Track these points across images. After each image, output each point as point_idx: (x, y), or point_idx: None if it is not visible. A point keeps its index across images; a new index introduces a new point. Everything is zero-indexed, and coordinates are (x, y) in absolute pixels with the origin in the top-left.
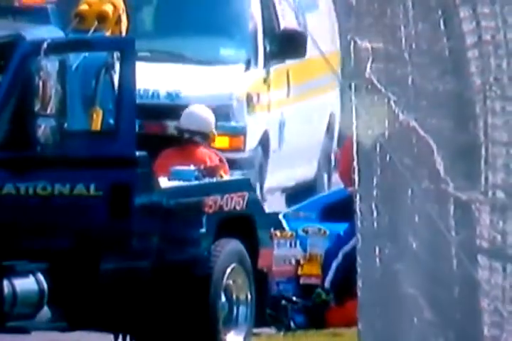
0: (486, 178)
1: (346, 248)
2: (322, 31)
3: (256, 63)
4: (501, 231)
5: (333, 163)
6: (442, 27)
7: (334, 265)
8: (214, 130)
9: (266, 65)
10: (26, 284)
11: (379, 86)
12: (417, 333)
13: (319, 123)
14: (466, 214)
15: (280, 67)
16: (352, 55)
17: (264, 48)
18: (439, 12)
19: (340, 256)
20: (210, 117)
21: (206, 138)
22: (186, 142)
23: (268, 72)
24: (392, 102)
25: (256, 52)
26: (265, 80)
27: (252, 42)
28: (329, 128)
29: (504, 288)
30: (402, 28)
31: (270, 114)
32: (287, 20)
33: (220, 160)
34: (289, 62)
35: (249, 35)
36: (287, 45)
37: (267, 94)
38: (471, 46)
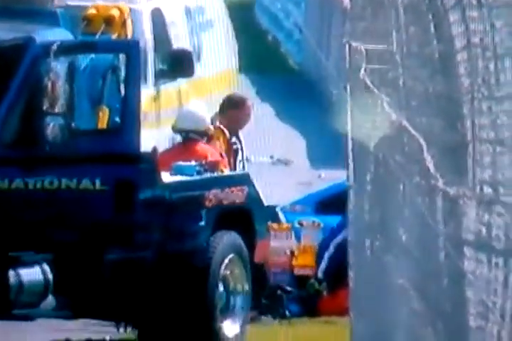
0: (474, 174)
1: (338, 239)
2: (218, 50)
3: (146, 82)
4: (487, 224)
5: None
6: (432, 30)
7: (326, 256)
8: (210, 126)
9: (156, 83)
10: (32, 274)
11: (372, 87)
12: (406, 322)
13: None
14: (453, 208)
15: (171, 85)
16: (347, 58)
17: (154, 68)
18: (430, 16)
19: (331, 247)
20: (204, 114)
21: (203, 134)
22: (186, 139)
23: (158, 91)
24: (384, 103)
25: (146, 71)
26: (155, 99)
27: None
28: None
29: (489, 280)
30: (394, 31)
31: (159, 131)
32: (180, 40)
33: (221, 155)
34: (182, 81)
35: None
36: (176, 64)
37: (157, 111)
38: (460, 49)
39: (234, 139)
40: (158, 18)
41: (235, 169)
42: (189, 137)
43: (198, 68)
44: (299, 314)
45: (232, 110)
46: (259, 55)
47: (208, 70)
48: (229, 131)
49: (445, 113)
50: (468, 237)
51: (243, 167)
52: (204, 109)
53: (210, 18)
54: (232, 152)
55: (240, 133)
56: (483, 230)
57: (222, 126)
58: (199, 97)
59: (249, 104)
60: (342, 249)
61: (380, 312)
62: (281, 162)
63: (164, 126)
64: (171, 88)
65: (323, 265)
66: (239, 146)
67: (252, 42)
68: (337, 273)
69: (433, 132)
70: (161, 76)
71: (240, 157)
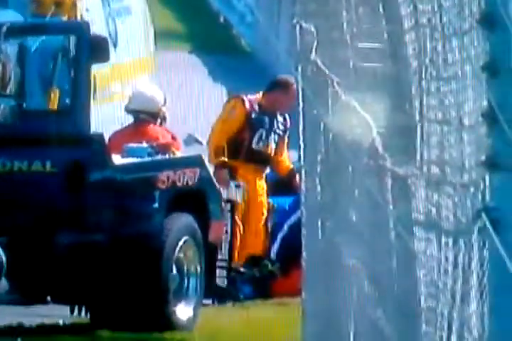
0: (422, 154)
1: (291, 220)
2: (135, 36)
3: None
4: (436, 204)
5: None
6: (381, 10)
7: (279, 237)
8: (163, 108)
9: None
10: None
11: (323, 68)
12: (357, 303)
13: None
14: (403, 188)
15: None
16: (298, 39)
17: None
18: None
19: (285, 228)
20: (157, 96)
21: (155, 116)
22: (138, 120)
23: None
24: (335, 83)
25: None
26: None
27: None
28: None
29: (439, 260)
30: (344, 12)
31: None
32: (96, 27)
33: (173, 137)
34: (96, 67)
35: None
36: (91, 50)
37: None
38: (408, 29)
39: (262, 117)
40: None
41: (249, 144)
42: (140, 118)
43: (114, 54)
44: (252, 296)
45: (279, 91)
46: (211, 36)
47: (125, 56)
48: (272, 112)
49: (393, 94)
50: (418, 217)
51: (266, 146)
52: (158, 90)
53: (127, 4)
54: (249, 126)
55: (287, 116)
56: (433, 210)
57: (244, 97)
58: (117, 83)
59: (295, 89)
60: (295, 230)
61: (331, 293)
62: None
63: None
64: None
65: (276, 246)
66: (280, 130)
67: (205, 23)
68: (290, 254)
69: (381, 113)
70: None
71: (263, 135)
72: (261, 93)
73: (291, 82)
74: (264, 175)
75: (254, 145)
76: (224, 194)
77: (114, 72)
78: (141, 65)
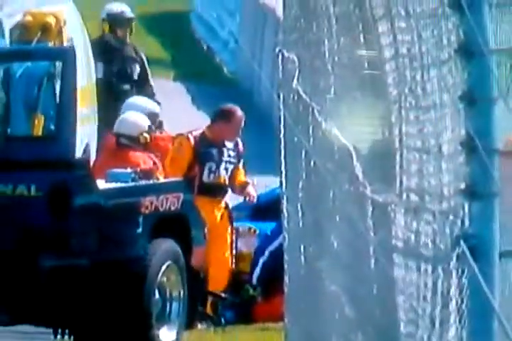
0: (401, 182)
1: (273, 246)
2: (78, 66)
3: None
4: (415, 231)
5: None
6: (362, 41)
7: (261, 262)
8: (145, 134)
9: None
10: None
11: (304, 96)
12: (338, 328)
13: None
14: (383, 215)
15: None
16: (280, 67)
17: None
18: (360, 27)
19: (266, 253)
20: (141, 121)
21: (135, 141)
22: (120, 145)
23: None
24: (315, 111)
25: None
26: None
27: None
28: None
29: (418, 286)
30: (326, 41)
31: None
32: None
33: (154, 163)
34: None
35: None
36: None
37: None
38: (388, 59)
39: (209, 150)
40: None
41: (201, 178)
42: (120, 142)
43: None
44: (234, 320)
45: (222, 121)
46: (194, 64)
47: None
48: (219, 142)
49: (373, 122)
50: (398, 244)
51: (217, 177)
52: (142, 117)
53: (68, 35)
54: (198, 161)
55: (240, 143)
56: (412, 237)
57: (189, 134)
58: None
59: (239, 116)
60: (277, 256)
61: (313, 318)
62: None
63: None
64: None
65: (257, 271)
66: (231, 157)
67: (188, 51)
68: (271, 279)
69: (362, 140)
70: None
71: (212, 167)
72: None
73: (234, 110)
74: (222, 204)
75: (205, 179)
76: None
77: None
78: (84, 95)
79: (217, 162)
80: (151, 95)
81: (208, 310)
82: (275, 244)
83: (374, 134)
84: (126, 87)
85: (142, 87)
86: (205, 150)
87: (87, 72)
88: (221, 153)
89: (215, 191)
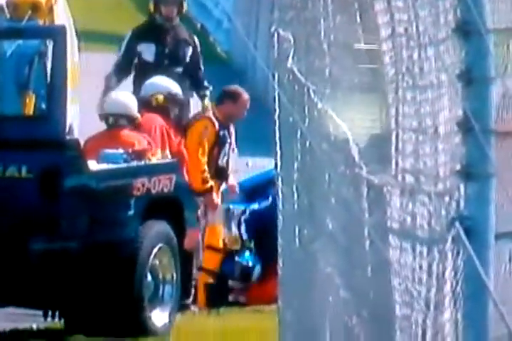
0: (397, 163)
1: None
2: None
3: None
4: (410, 213)
5: None
6: (358, 20)
7: (243, 219)
8: (137, 113)
9: None
10: None
11: (299, 76)
12: (332, 311)
13: None
14: (378, 197)
15: None
16: (275, 46)
17: None
18: (356, 5)
19: (247, 212)
20: (133, 101)
21: (131, 121)
22: (113, 126)
23: None
24: (311, 91)
25: None
26: None
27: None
28: None
29: (414, 268)
30: (322, 20)
31: None
32: None
33: (149, 143)
34: None
35: None
36: None
37: None
38: (385, 38)
39: (223, 132)
40: None
41: (217, 161)
42: (116, 123)
43: None
44: (228, 303)
45: (230, 102)
46: None
47: None
48: (226, 124)
49: (369, 102)
50: (393, 226)
51: (227, 161)
52: (131, 96)
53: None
54: (218, 144)
55: (232, 127)
56: (408, 219)
57: (212, 116)
58: None
59: (245, 98)
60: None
61: (307, 301)
62: None
63: None
64: None
65: (243, 228)
66: (228, 140)
67: None
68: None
69: (357, 121)
70: None
71: (226, 150)
72: (211, 105)
73: (239, 92)
74: (220, 189)
75: (220, 162)
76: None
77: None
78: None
79: (229, 144)
80: (202, 79)
81: (201, 291)
82: (256, 205)
83: (370, 114)
84: (179, 69)
85: (193, 70)
86: (221, 132)
87: (70, 52)
88: (229, 135)
89: (223, 175)
